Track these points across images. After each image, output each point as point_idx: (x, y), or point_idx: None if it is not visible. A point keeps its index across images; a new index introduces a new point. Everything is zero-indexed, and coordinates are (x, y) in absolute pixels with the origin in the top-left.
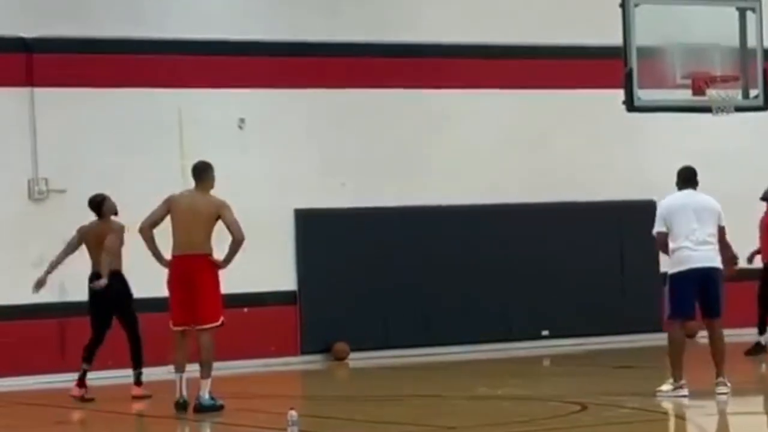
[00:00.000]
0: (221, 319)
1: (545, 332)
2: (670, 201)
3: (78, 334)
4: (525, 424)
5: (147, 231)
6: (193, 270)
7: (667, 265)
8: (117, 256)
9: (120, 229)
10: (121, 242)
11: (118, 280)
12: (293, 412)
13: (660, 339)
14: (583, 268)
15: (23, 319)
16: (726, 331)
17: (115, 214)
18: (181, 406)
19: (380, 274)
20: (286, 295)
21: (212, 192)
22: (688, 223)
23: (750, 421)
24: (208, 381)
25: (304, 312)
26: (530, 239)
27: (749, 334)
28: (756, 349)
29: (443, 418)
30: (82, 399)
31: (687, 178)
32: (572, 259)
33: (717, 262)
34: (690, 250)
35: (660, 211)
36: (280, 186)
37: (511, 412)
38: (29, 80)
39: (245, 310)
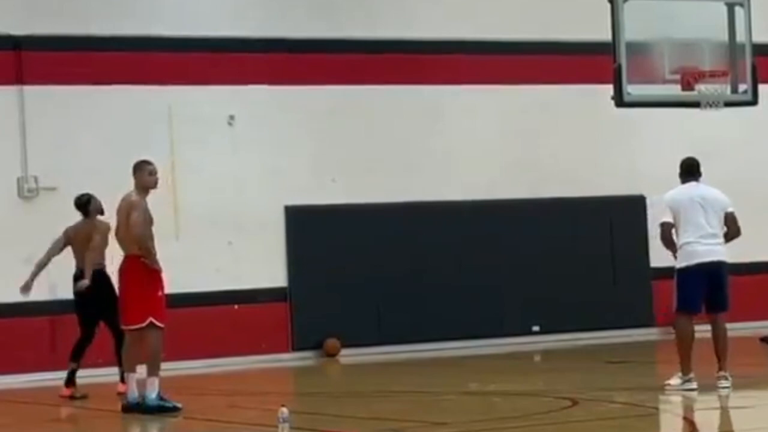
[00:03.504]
0: (148, 319)
1: (536, 327)
2: (676, 193)
3: (69, 331)
4: (517, 419)
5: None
6: (123, 271)
7: (667, 258)
8: (101, 254)
9: (107, 230)
10: (105, 242)
11: (101, 278)
12: (284, 409)
13: (651, 334)
14: (575, 263)
15: (14, 317)
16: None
17: (101, 213)
18: (125, 406)
19: (371, 270)
20: (277, 291)
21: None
22: (695, 216)
23: (745, 415)
24: (153, 380)
25: (295, 308)
26: (521, 235)
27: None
28: None
29: (435, 413)
30: (72, 397)
31: (690, 170)
32: (563, 254)
33: (724, 255)
34: (697, 244)
35: (666, 202)
36: (270, 182)
37: (502, 408)
38: (19, 78)
39: (236, 307)
